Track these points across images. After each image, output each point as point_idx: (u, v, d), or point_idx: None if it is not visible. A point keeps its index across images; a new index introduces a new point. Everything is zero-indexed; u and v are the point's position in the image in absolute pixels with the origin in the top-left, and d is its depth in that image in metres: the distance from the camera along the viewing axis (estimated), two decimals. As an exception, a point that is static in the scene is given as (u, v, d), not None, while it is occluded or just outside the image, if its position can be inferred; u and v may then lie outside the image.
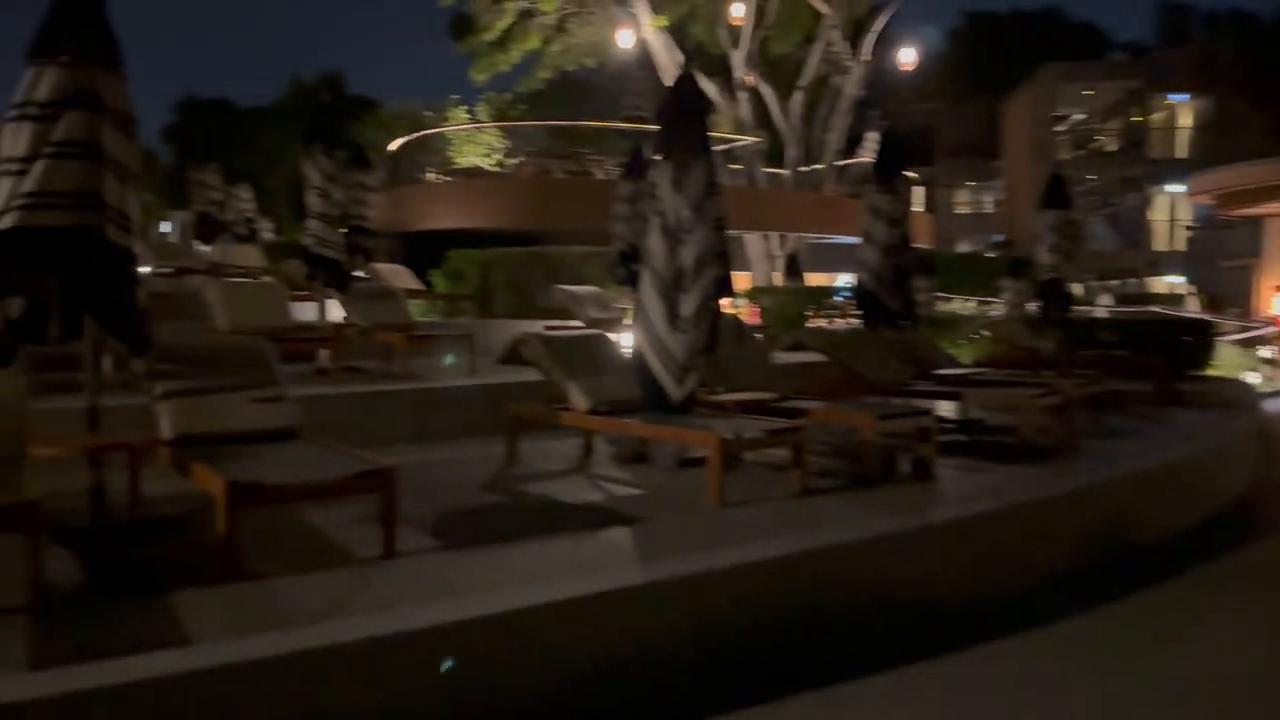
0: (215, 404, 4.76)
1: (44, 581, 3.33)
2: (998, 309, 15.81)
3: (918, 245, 9.65)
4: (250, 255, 16.23)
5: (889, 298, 7.85)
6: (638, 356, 5.98)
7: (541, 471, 6.07)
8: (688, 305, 5.89)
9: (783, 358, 9.35)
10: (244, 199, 18.93)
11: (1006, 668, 4.22)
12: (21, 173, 4.17)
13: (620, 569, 3.99)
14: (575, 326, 10.79)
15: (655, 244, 6.02)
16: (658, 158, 6.25)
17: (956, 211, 47.77)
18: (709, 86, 20.89)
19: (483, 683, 3.30)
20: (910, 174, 18.19)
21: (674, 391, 5.86)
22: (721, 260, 6.10)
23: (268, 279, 14.99)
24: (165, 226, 33.04)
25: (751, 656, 3.96)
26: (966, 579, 4.90)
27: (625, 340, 10.08)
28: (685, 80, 6.51)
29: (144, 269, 15.68)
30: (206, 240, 16.51)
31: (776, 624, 4.09)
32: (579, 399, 5.91)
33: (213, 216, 16.55)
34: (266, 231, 24.56)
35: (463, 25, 22.48)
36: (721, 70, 23.00)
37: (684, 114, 6.25)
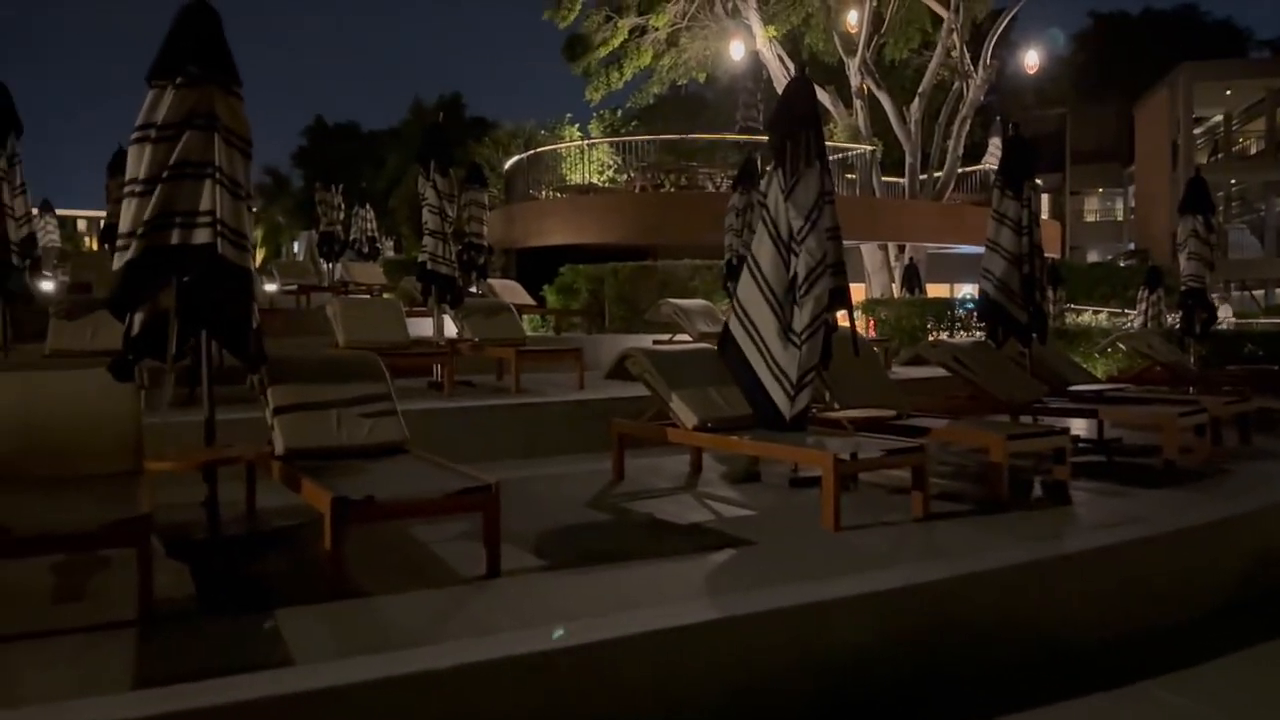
0: (325, 419, 4.80)
1: (153, 595, 3.36)
2: (1133, 320, 14.91)
3: (1046, 254, 9.11)
4: (371, 272, 16.76)
5: (1016, 309, 7.40)
6: (747, 369, 5.77)
7: (648, 489, 5.93)
8: (801, 318, 5.66)
9: (902, 373, 8.98)
10: (366, 218, 19.61)
11: (1145, 711, 3.83)
12: (145, 194, 4.29)
13: (728, 597, 3.79)
14: (684, 341, 10.65)
15: (765, 254, 5.83)
16: (770, 167, 6.05)
17: (1086, 219, 45.64)
18: (823, 95, 20.53)
19: (570, 716, 3.16)
20: (1037, 180, 17.40)
21: (786, 408, 5.63)
22: (836, 271, 5.85)
23: (386, 295, 15.44)
24: (296, 246, 34.54)
25: (864, 696, 3.70)
26: (1105, 615, 4.50)
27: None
28: (798, 86, 6.29)
29: (272, 287, 16.45)
30: (330, 258, 17.12)
31: (892, 660, 3.81)
32: (686, 415, 5.74)
33: (336, 235, 17.14)
34: (388, 249, 25.45)
35: (576, 46, 22.74)
36: (836, 78, 22.58)
37: (797, 121, 6.02)
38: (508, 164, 23.04)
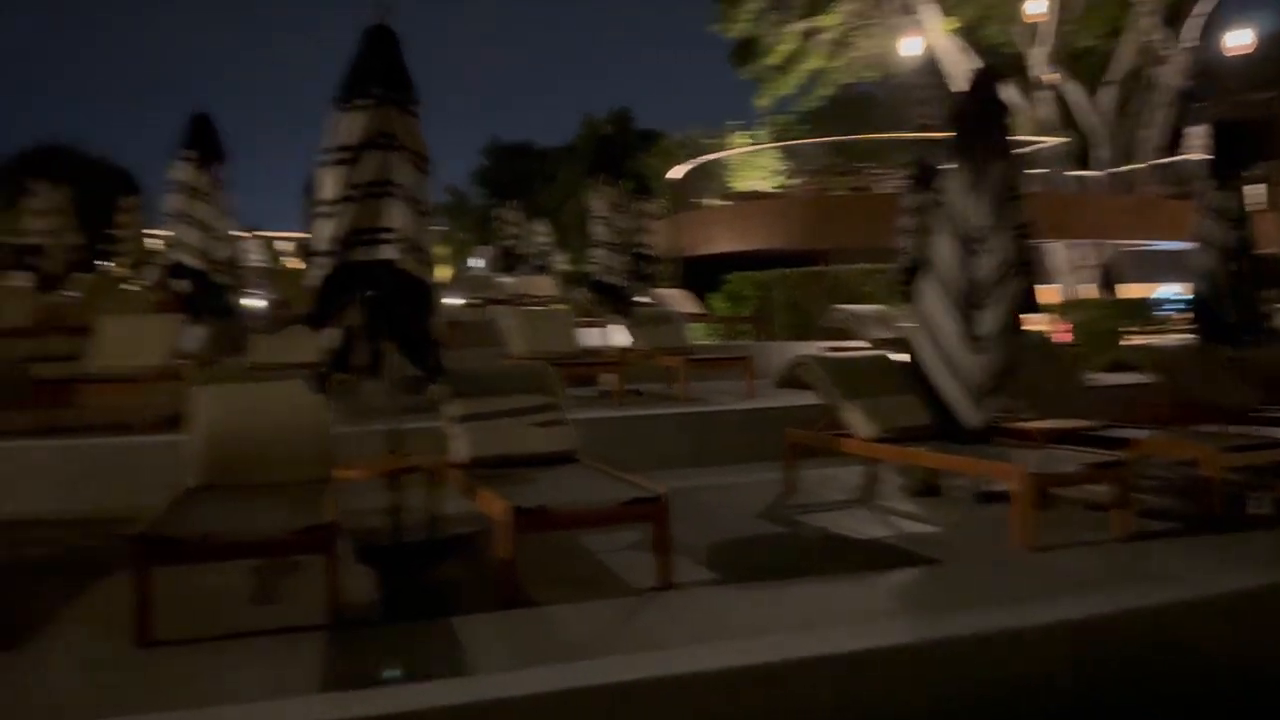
0: (500, 428, 4.89)
1: (341, 600, 3.49)
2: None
3: (1262, 250, 8.23)
4: (545, 285, 17.20)
5: (1228, 309, 6.74)
6: (926, 378, 5.49)
7: (822, 501, 5.73)
8: (986, 322, 5.34)
9: (1099, 379, 8.32)
10: (541, 232, 20.17)
11: None
12: (333, 214, 4.50)
13: (910, 620, 3.58)
14: (857, 347, 10.31)
15: (945, 254, 5.54)
16: (951, 164, 5.75)
17: (1307, 210, 41.28)
18: (1006, 88, 19.49)
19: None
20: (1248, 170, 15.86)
21: (970, 417, 5.32)
22: (1024, 272, 5.48)
23: (560, 307, 15.81)
24: (476, 261, 35.97)
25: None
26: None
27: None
28: (981, 79, 5.97)
29: (457, 300, 17.17)
30: (507, 272, 17.71)
31: (1091, 696, 3.47)
32: (862, 425, 5.51)
33: (512, 250, 17.72)
34: (561, 262, 26.11)
35: (744, 52, 22.62)
36: (1018, 71, 21.41)
37: (980, 115, 5.71)
38: (674, 173, 23.18)
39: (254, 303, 16.59)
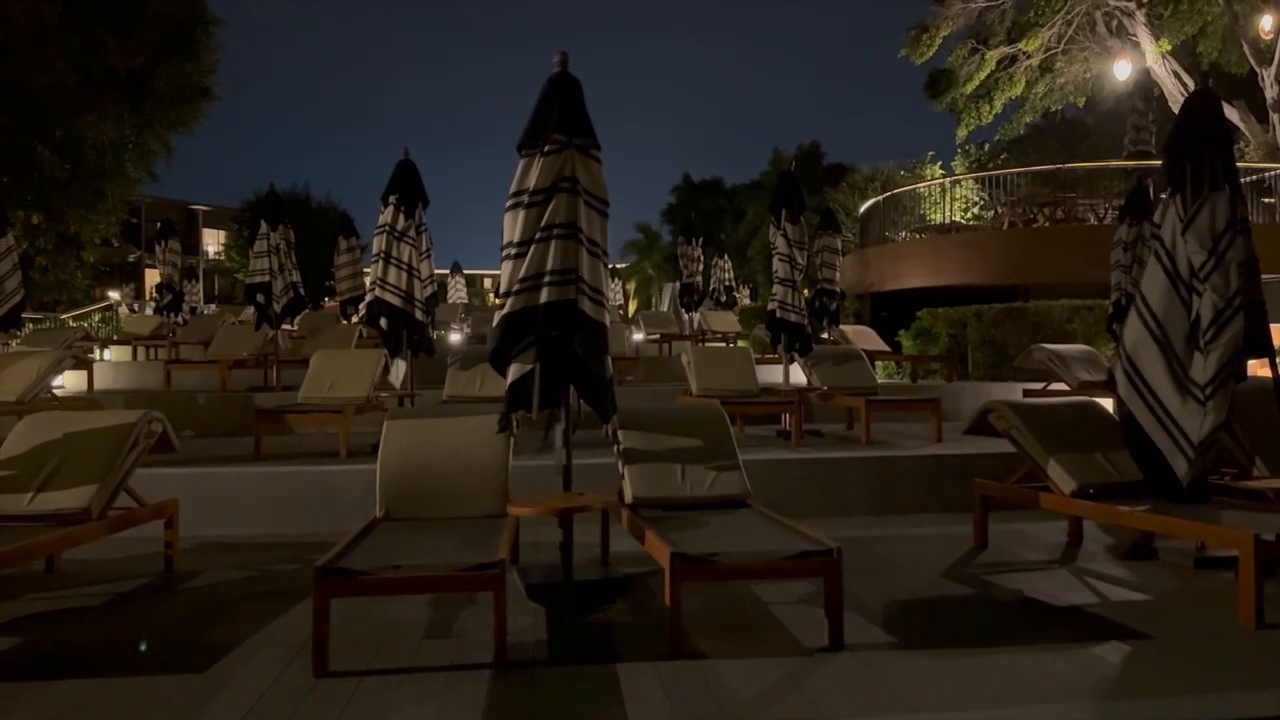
0: (670, 470, 4.84)
1: (507, 640, 3.52)
2: None
3: None
4: (727, 321, 17.18)
5: None
6: (1136, 428, 5.00)
7: (1015, 560, 5.30)
8: (1205, 368, 4.82)
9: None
10: (724, 268, 20.21)
11: None
12: (519, 256, 4.62)
13: (1119, 705, 3.21)
14: (1060, 391, 9.60)
15: (1158, 294, 5.06)
16: (1165, 194, 5.26)
17: None
18: (1230, 111, 17.86)
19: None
20: None
21: (1183, 473, 4.79)
22: (1253, 312, 4.91)
23: (740, 344, 15.71)
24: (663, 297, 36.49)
25: None
26: None
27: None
28: (1200, 101, 5.43)
29: (638, 336, 17.43)
30: (690, 308, 17.82)
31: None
32: (1062, 478, 5.07)
33: (695, 286, 17.81)
34: (744, 298, 26.02)
35: (939, 82, 21.91)
36: (1245, 90, 19.57)
37: (1198, 140, 5.20)
38: (863, 207, 22.63)
39: (456, 337, 17.52)
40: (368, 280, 8.91)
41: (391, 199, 8.38)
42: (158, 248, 16.66)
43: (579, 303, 4.55)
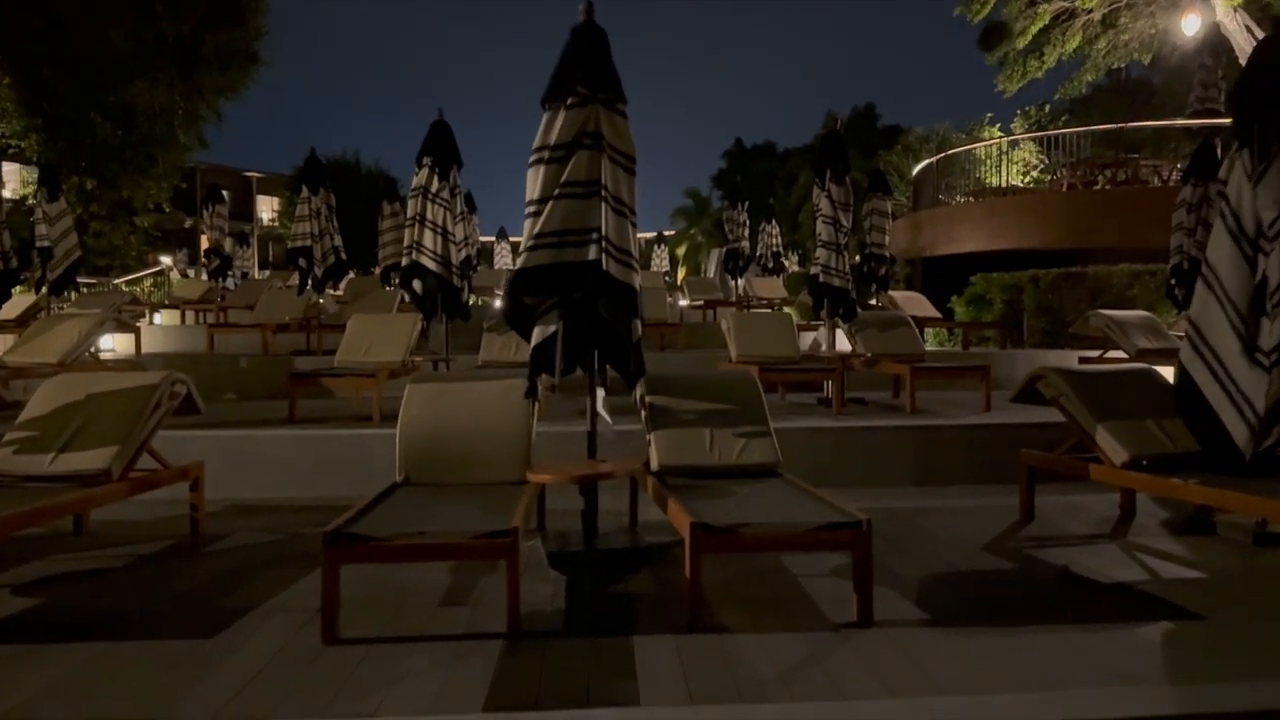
0: (699, 436, 4.68)
1: (522, 611, 3.40)
2: None
3: None
4: (772, 287, 16.88)
5: None
6: (1196, 397, 4.70)
7: (1062, 534, 5.06)
8: (1271, 333, 4.50)
9: None
10: (772, 233, 19.84)
11: None
12: (537, 214, 4.46)
13: (1171, 690, 2.99)
14: (1118, 358, 9.22)
15: (1223, 255, 4.73)
16: (1232, 150, 4.91)
17: None
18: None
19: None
20: None
21: (1246, 444, 4.49)
22: (1327, 274, 4.57)
23: (788, 310, 15.42)
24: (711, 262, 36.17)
25: None
26: None
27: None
28: (1269, 50, 5.04)
29: (683, 302, 17.22)
30: (735, 274, 17.54)
31: None
32: (1114, 449, 4.81)
33: (741, 251, 17.51)
34: (793, 264, 25.63)
35: (992, 35, 21.10)
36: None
37: (1268, 92, 4.83)
38: (916, 169, 22.03)
39: (500, 303, 17.51)
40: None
41: (425, 160, 8.26)
42: (205, 213, 16.80)
43: (604, 263, 4.38)
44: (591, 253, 4.39)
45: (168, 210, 23.09)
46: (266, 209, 50.25)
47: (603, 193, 4.41)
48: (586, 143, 4.42)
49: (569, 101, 4.41)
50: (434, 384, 4.88)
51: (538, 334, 4.54)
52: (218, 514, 5.61)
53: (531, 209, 4.48)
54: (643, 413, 4.88)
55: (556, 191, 4.40)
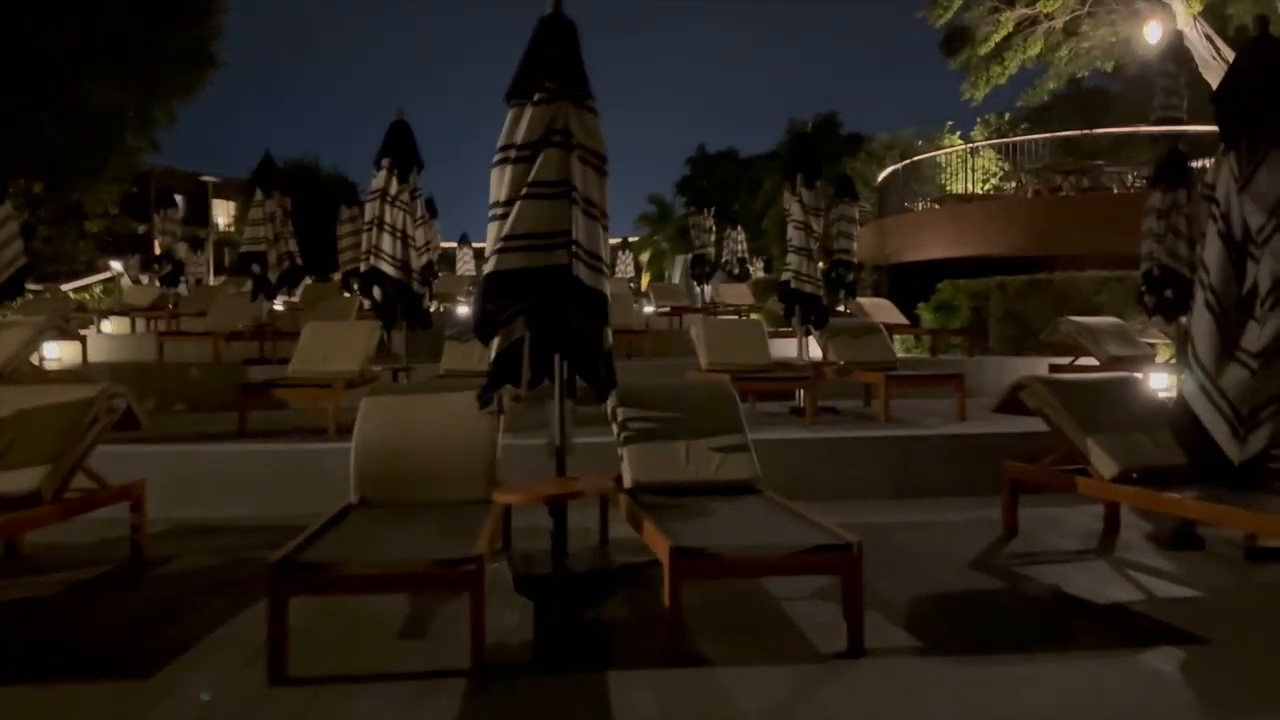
0: (673, 451, 4.45)
1: (486, 644, 3.14)
2: None
3: None
4: (740, 293, 16.72)
5: None
6: (1184, 406, 4.57)
7: (1048, 550, 4.89)
8: (1260, 336, 4.37)
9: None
10: (737, 240, 19.71)
11: None
12: (504, 216, 4.21)
13: (1174, 721, 2.81)
14: (1088, 366, 9.15)
15: (1214, 260, 4.60)
16: (1220, 153, 4.79)
17: None
18: None
19: None
20: None
21: (1235, 454, 4.35)
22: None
23: (755, 316, 15.26)
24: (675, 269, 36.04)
25: None
26: None
27: (1157, 385, 8.27)
28: (1257, 51, 4.94)
29: (649, 309, 17.01)
30: (701, 280, 17.36)
31: None
32: (1103, 461, 4.65)
33: (707, 258, 17.35)
34: (758, 270, 25.52)
35: (954, 40, 21.17)
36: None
37: (1256, 93, 4.72)
38: (881, 176, 22.04)
39: (463, 310, 17.12)
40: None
41: (384, 162, 7.94)
42: (156, 217, 16.29)
43: (573, 268, 4.13)
44: (562, 257, 4.14)
45: (115, 214, 22.39)
46: (223, 214, 49.29)
47: (573, 194, 4.17)
48: (555, 140, 4.17)
49: (536, 97, 4.15)
50: (392, 396, 4.60)
51: (500, 342, 4.28)
52: (162, 535, 5.27)
53: (498, 211, 4.21)
54: (614, 426, 4.63)
55: (524, 191, 4.14)
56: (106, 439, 4.96)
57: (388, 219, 7.99)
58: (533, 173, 4.13)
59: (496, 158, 4.26)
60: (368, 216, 8.04)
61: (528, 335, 4.21)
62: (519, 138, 4.19)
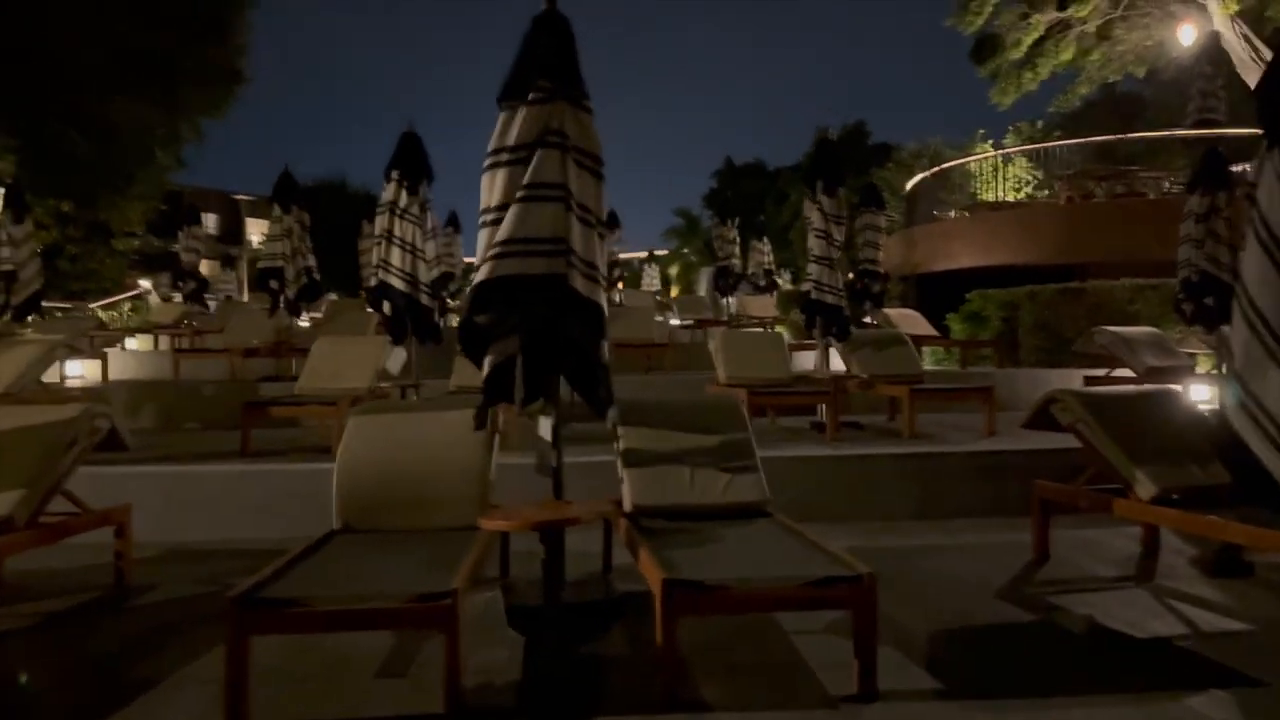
0: (678, 473, 4.19)
1: (470, 682, 2.90)
2: None
3: None
4: (764, 305, 16.42)
5: None
6: (1228, 423, 4.24)
7: (1082, 576, 4.56)
8: (1314, 352, 4.04)
9: None
10: (763, 251, 19.42)
11: None
12: (496, 222, 3.98)
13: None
14: (1124, 377, 8.78)
15: (1255, 268, 4.26)
16: (1264, 150, 4.46)
17: None
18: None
19: None
20: None
21: (1287, 476, 4.02)
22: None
23: (780, 328, 14.96)
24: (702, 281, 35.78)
25: None
26: None
27: (1198, 397, 7.88)
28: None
29: (674, 321, 16.76)
30: (726, 292, 17.08)
31: None
32: (1141, 482, 4.32)
33: (731, 269, 17.07)
34: (785, 282, 25.19)
35: (985, 47, 20.79)
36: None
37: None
38: (909, 184, 21.65)
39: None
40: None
41: (393, 174, 7.78)
42: (180, 234, 16.28)
43: (570, 278, 3.89)
44: (559, 265, 3.90)
45: (141, 233, 22.53)
46: (256, 232, 49.78)
47: (569, 201, 3.94)
48: (551, 141, 3.94)
49: (530, 97, 3.94)
50: (380, 415, 4.38)
51: (493, 358, 4.04)
52: (152, 560, 5.09)
53: (490, 216, 3.98)
54: (615, 445, 4.38)
55: (520, 194, 3.92)
56: (99, 460, 4.81)
57: (397, 232, 7.81)
58: (529, 174, 3.91)
59: (487, 162, 4.05)
60: (377, 230, 7.86)
61: (521, 349, 3.98)
62: (512, 139, 3.97)
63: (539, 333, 3.98)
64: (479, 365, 4.07)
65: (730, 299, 17.12)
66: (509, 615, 3.85)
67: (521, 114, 3.95)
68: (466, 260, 23.45)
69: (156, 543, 5.40)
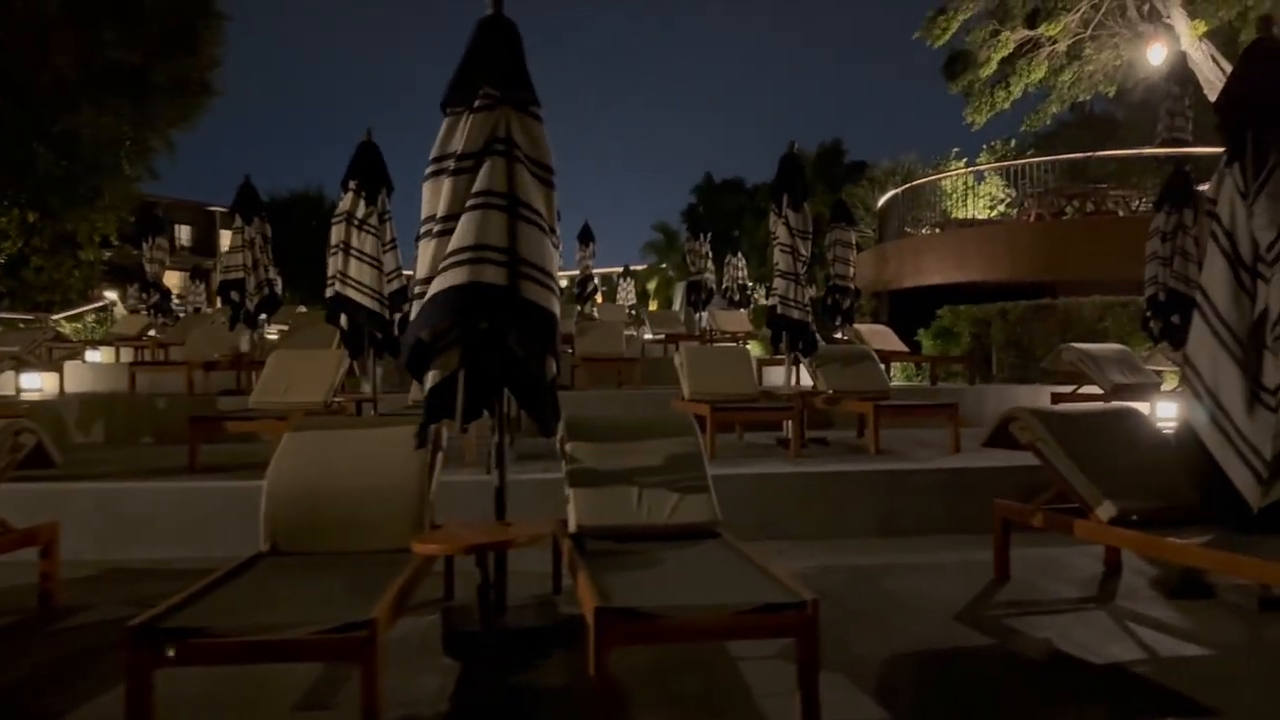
0: (625, 493, 4.05)
1: (396, 716, 2.73)
2: None
3: None
4: (737, 320, 16.33)
5: None
6: (1192, 443, 4.16)
7: (1042, 598, 4.46)
8: (1275, 369, 3.97)
9: None
10: (738, 266, 19.35)
11: None
12: (445, 234, 3.83)
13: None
14: (1092, 395, 8.73)
15: (1218, 283, 4.21)
16: (1223, 167, 4.41)
17: None
18: None
19: None
20: None
21: (1254, 498, 3.94)
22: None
23: (753, 344, 14.87)
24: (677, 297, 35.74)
25: None
26: None
27: (1165, 415, 7.83)
28: (1264, 54, 4.56)
29: (647, 335, 16.63)
30: (698, 306, 16.97)
31: None
32: (1100, 502, 4.22)
33: (704, 284, 16.97)
34: (762, 298, 25.14)
35: (956, 63, 20.92)
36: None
37: (1264, 100, 4.35)
38: (881, 200, 21.70)
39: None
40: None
41: (351, 184, 7.63)
42: (144, 245, 15.98)
43: (521, 288, 3.73)
44: (501, 276, 3.75)
45: (115, 244, 22.17)
46: (229, 244, 49.31)
47: (519, 209, 3.79)
48: (498, 149, 3.80)
49: (476, 104, 3.81)
50: (315, 431, 4.20)
51: (436, 373, 3.89)
52: (85, 580, 4.89)
53: (436, 227, 3.82)
54: (562, 463, 4.24)
55: (470, 203, 3.77)
56: (37, 476, 4.64)
57: (354, 243, 7.66)
58: (478, 183, 3.76)
59: (430, 169, 3.92)
60: (333, 240, 7.71)
61: (462, 363, 3.84)
62: (458, 147, 3.83)
63: (481, 346, 3.84)
64: (421, 381, 3.92)
65: (703, 314, 17.03)
66: (448, 641, 3.70)
67: (467, 121, 3.83)
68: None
69: (93, 562, 5.22)
